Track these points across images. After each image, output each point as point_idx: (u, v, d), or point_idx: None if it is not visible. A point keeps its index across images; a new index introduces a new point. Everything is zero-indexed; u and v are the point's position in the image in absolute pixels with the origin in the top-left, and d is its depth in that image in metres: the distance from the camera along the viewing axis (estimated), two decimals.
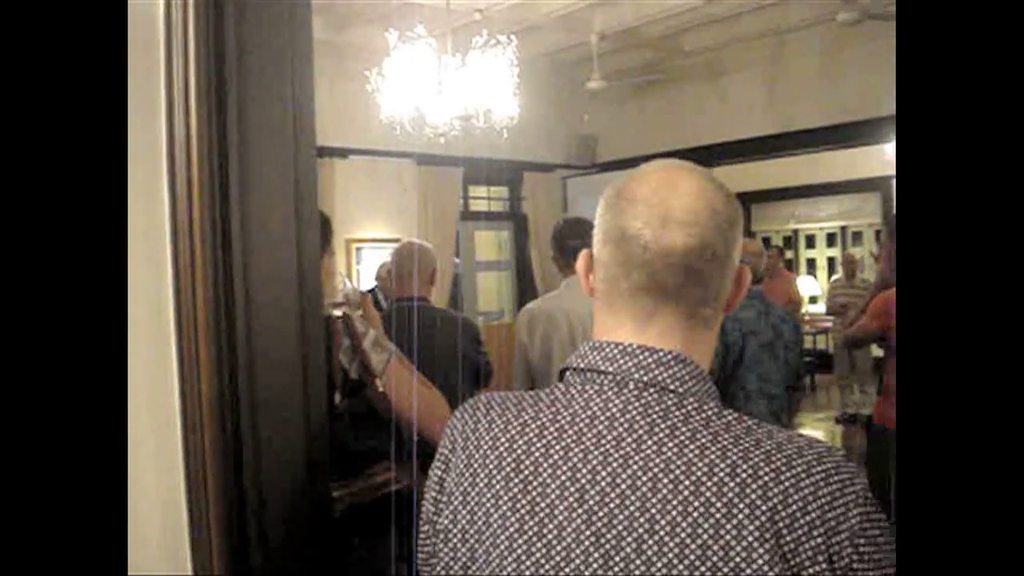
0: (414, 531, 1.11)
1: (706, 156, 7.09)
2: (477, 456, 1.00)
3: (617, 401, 0.95)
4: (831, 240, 13.04)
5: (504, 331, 6.53)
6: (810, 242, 13.29)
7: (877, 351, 4.13)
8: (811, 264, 13.21)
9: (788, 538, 0.85)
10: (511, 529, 0.94)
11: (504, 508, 0.95)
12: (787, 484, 0.87)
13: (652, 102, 8.49)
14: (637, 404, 0.94)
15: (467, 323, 3.58)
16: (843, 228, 12.79)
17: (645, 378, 0.95)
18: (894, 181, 9.16)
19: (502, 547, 0.94)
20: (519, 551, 0.93)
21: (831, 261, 12.83)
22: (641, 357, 0.97)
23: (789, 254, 12.98)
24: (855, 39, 6.61)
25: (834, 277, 10.25)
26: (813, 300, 12.00)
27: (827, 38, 6.92)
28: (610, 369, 0.97)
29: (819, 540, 0.85)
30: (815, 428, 8.31)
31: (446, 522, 1.00)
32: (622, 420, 0.94)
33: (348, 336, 1.90)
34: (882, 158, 8.49)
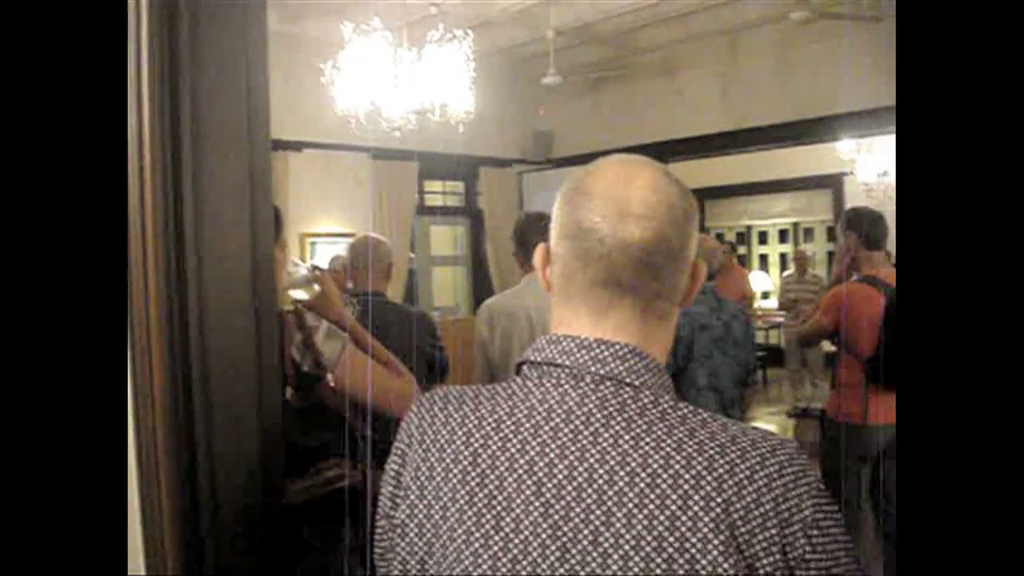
0: (368, 525, 1.10)
1: (661, 152, 7.14)
2: (434, 450, 1.00)
3: (574, 394, 0.96)
4: (783, 236, 13.20)
5: (460, 326, 6.51)
6: (762, 238, 13.44)
7: (830, 346, 4.17)
8: (763, 260, 13.37)
9: (743, 530, 0.86)
10: (468, 523, 0.94)
11: (461, 502, 0.95)
12: (742, 476, 0.88)
13: (608, 98, 8.53)
14: (594, 397, 0.95)
15: (423, 318, 3.57)
16: (795, 224, 12.96)
17: (602, 371, 0.96)
18: (845, 178, 9.30)
19: (459, 541, 0.94)
20: (476, 545, 0.93)
21: (783, 257, 12.99)
22: (598, 351, 0.97)
23: (742, 250, 13.13)
24: (808, 38, 6.70)
25: (786, 273, 10.37)
26: (765, 295, 12.14)
27: (780, 36, 7.01)
28: (567, 363, 0.97)
29: (773, 531, 0.87)
30: (767, 422, 8.41)
31: (403, 516, 1.00)
32: (579, 413, 0.94)
33: (300, 330, 1.88)
34: (834, 155, 8.60)
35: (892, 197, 7.71)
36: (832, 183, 10.10)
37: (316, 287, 1.98)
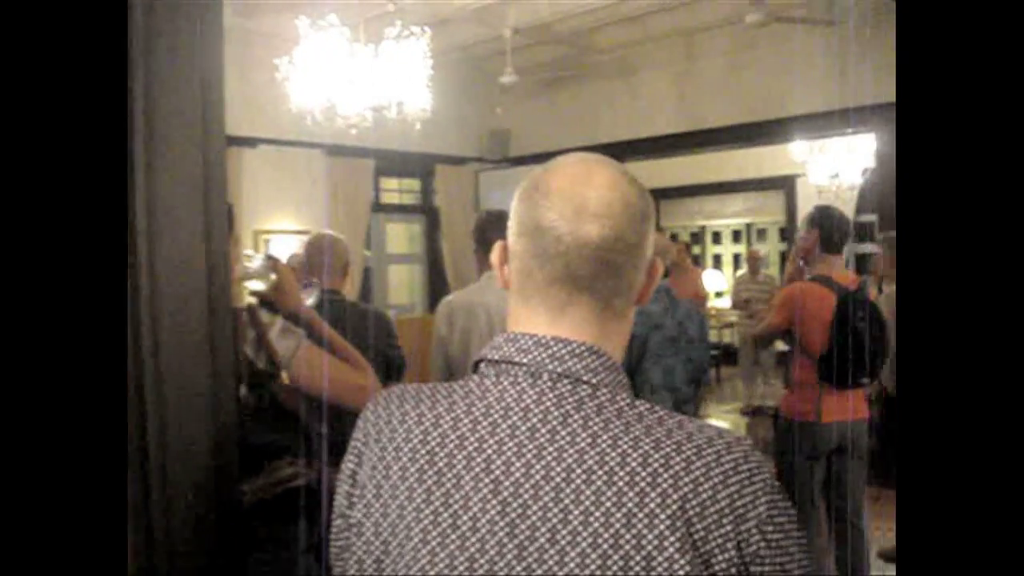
0: (324, 524, 1.10)
1: (617, 152, 7.17)
2: (391, 449, 0.99)
3: (531, 392, 0.96)
4: (737, 236, 13.35)
5: (418, 325, 6.48)
6: (716, 238, 13.58)
7: (782, 345, 4.23)
8: (717, 260, 13.51)
9: (698, 526, 0.87)
10: (425, 522, 0.94)
11: (418, 501, 0.95)
12: (697, 473, 0.89)
13: (565, 97, 8.55)
14: (551, 395, 0.95)
15: (380, 316, 3.55)
16: (748, 225, 13.11)
17: (559, 369, 0.96)
18: (798, 180, 9.42)
19: (416, 540, 0.94)
20: (433, 543, 0.93)
21: (736, 257, 13.14)
22: (555, 348, 0.97)
23: (696, 249, 13.25)
24: (763, 40, 6.77)
25: (739, 272, 10.50)
26: (719, 295, 12.27)
27: (736, 39, 7.07)
28: (524, 360, 0.97)
29: (728, 528, 0.87)
30: (721, 420, 8.49)
31: (359, 515, 0.99)
32: (536, 411, 0.94)
33: (253, 327, 1.85)
34: (787, 157, 8.70)
35: (843, 199, 7.83)
36: (785, 184, 10.24)
37: (272, 276, 1.95)
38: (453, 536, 0.92)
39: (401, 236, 9.32)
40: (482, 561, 0.90)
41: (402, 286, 9.32)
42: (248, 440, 1.73)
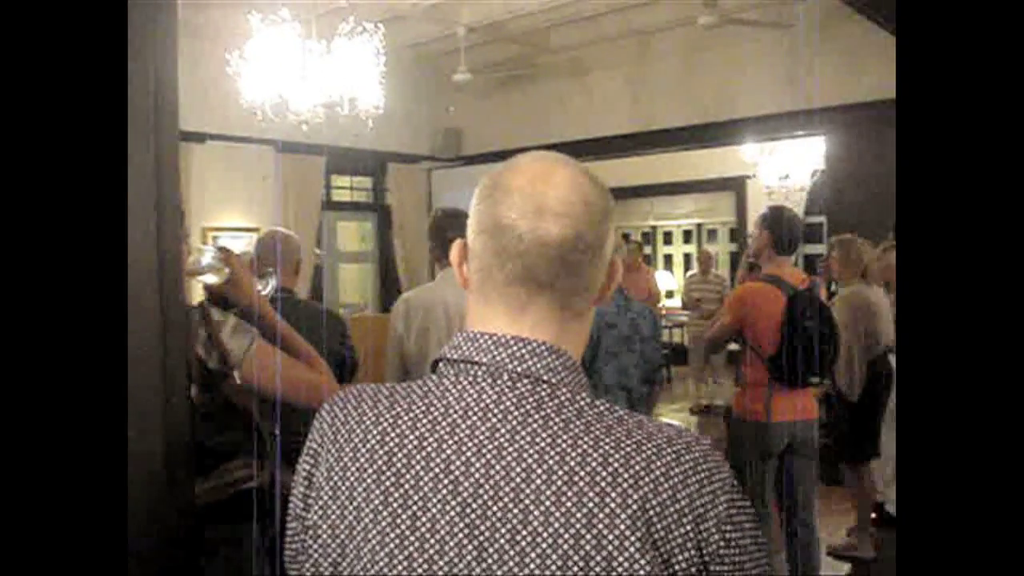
0: (277, 526, 1.08)
1: (570, 152, 6.99)
2: (347, 450, 0.98)
3: (491, 392, 0.95)
4: (687, 237, 13.48)
5: (368, 324, 6.44)
6: (667, 238, 13.70)
7: (733, 344, 4.27)
8: (668, 260, 13.63)
9: (659, 526, 0.86)
10: (383, 523, 0.92)
11: (376, 502, 0.93)
12: (658, 473, 0.89)
13: (518, 97, 8.56)
14: (511, 395, 0.94)
15: (332, 315, 3.52)
16: (699, 226, 13.24)
17: (519, 369, 0.95)
18: (748, 181, 9.53)
19: (374, 542, 0.92)
20: (391, 545, 0.91)
21: (687, 257, 13.26)
22: (515, 348, 0.96)
23: (647, 250, 13.35)
24: (715, 42, 6.84)
25: (690, 272, 10.58)
26: (670, 295, 12.37)
27: (689, 40, 7.13)
28: (484, 360, 0.96)
29: (688, 527, 0.87)
30: (670, 419, 8.54)
31: (315, 518, 0.97)
32: (496, 411, 0.93)
33: (205, 326, 1.82)
34: (737, 159, 8.80)
35: (793, 200, 7.94)
36: (735, 186, 10.36)
37: (226, 270, 1.91)
38: (411, 538, 0.91)
39: (352, 234, 9.26)
40: (441, 563, 0.89)
41: (353, 285, 9.26)
42: (201, 441, 1.70)
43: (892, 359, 4.96)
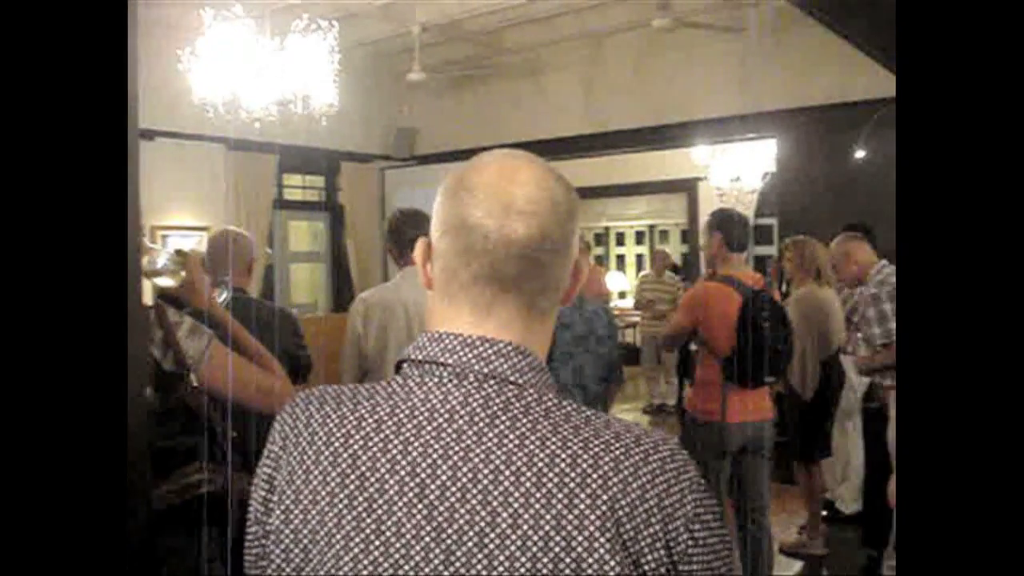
0: (229, 531, 1.05)
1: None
2: (310, 453, 0.96)
3: (457, 393, 0.93)
4: (640, 238, 13.57)
5: (319, 324, 6.37)
6: (620, 239, 13.78)
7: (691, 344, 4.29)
8: (621, 260, 13.70)
9: (628, 526, 0.86)
10: (347, 528, 0.90)
11: (340, 506, 0.91)
12: (626, 473, 0.88)
13: (472, 97, 8.54)
14: (478, 396, 0.93)
15: (286, 315, 3.48)
16: (651, 227, 13.34)
17: (485, 370, 0.94)
18: (700, 183, 9.60)
19: (338, 547, 0.90)
20: (356, 550, 0.90)
21: (639, 258, 13.35)
22: (481, 348, 0.95)
23: (600, 250, 13.42)
24: (669, 45, 6.88)
25: (643, 273, 10.64)
26: (622, 295, 12.43)
27: (642, 43, 7.17)
28: (450, 361, 0.95)
29: (657, 527, 0.87)
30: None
31: (277, 522, 0.95)
32: (462, 413, 0.92)
33: (160, 327, 1.77)
34: (689, 161, 8.87)
35: (743, 202, 8.02)
36: (687, 187, 10.42)
37: (181, 273, 1.88)
38: (377, 542, 0.89)
39: (304, 234, 9.17)
40: (407, 568, 0.88)
41: (304, 285, 9.17)
42: (155, 444, 1.66)
43: (844, 359, 5.04)
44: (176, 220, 7.11)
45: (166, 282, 1.86)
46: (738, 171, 8.47)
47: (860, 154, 6.23)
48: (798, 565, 4.90)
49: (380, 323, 3.21)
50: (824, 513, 5.26)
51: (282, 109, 5.16)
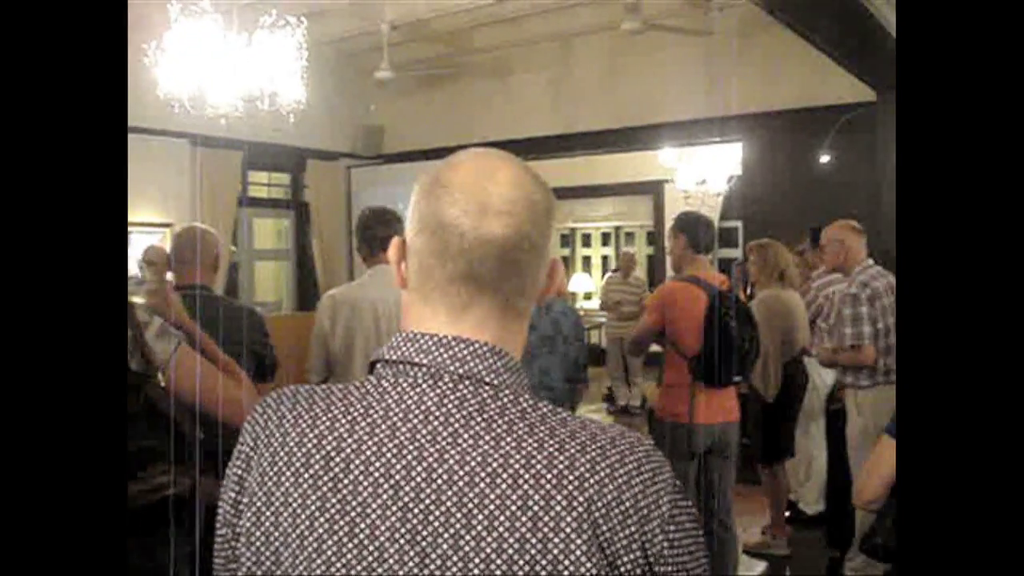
0: (197, 533, 1.04)
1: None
2: (282, 453, 0.94)
3: (432, 394, 0.92)
4: (605, 239, 13.61)
5: (284, 323, 6.32)
6: (586, 240, 13.81)
7: (653, 346, 4.31)
8: (587, 261, 13.73)
9: (604, 527, 0.85)
10: (320, 530, 0.89)
11: (312, 508, 0.90)
12: (603, 474, 0.88)
13: (440, 96, 8.52)
14: (453, 397, 0.92)
15: (252, 314, 3.44)
16: (617, 228, 13.38)
17: (460, 370, 0.93)
18: (666, 185, 9.65)
19: (310, 549, 0.89)
20: (329, 552, 0.88)
21: (605, 259, 13.39)
22: (456, 349, 0.94)
23: (566, 251, 13.44)
24: (637, 47, 6.91)
25: (609, 274, 10.67)
26: (588, 296, 12.46)
27: (611, 45, 7.19)
28: (424, 361, 0.94)
29: (633, 528, 0.87)
30: None
31: (248, 524, 0.94)
32: (437, 414, 0.91)
33: (129, 327, 1.75)
34: (655, 163, 8.90)
35: (709, 204, 8.07)
36: (653, 189, 10.47)
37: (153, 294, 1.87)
38: (350, 545, 0.88)
39: (269, 231, 9.10)
40: (381, 570, 0.87)
41: (269, 283, 9.10)
42: None
43: (809, 361, 5.09)
44: (140, 217, 7.02)
45: (136, 300, 1.84)
46: (704, 174, 8.52)
47: (825, 158, 6.30)
48: (762, 566, 4.94)
49: (348, 321, 3.20)
50: (788, 514, 5.31)
51: (249, 106, 5.11)
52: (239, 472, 0.98)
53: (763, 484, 5.14)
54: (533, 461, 0.88)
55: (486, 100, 8.20)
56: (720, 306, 3.76)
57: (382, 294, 3.13)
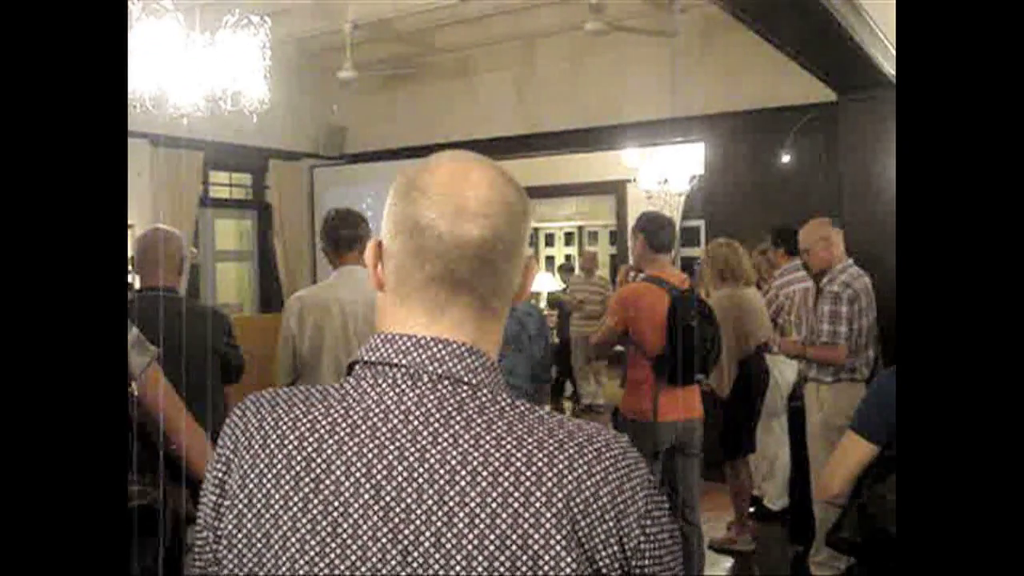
0: (162, 542, 1.04)
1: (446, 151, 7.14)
2: (263, 456, 0.95)
3: (412, 394, 0.94)
4: (569, 239, 13.65)
5: (245, 324, 6.27)
6: (549, 240, 13.85)
7: (619, 346, 4.34)
8: (550, 261, 13.77)
9: (583, 523, 0.87)
10: (303, 531, 0.90)
11: (295, 509, 0.91)
12: (580, 471, 0.89)
13: (403, 96, 8.50)
14: (432, 397, 0.93)
15: (218, 316, 3.42)
16: (580, 228, 13.44)
17: (439, 370, 0.94)
18: (628, 185, 9.71)
19: (293, 550, 0.90)
20: (312, 552, 0.89)
21: (568, 259, 13.43)
22: (435, 349, 0.95)
23: (529, 251, 13.44)
24: (601, 48, 6.94)
25: (574, 274, 10.71)
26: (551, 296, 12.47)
27: (575, 46, 7.21)
28: (403, 362, 0.95)
29: (611, 524, 0.89)
30: None
31: (230, 527, 0.94)
32: (417, 413, 0.92)
33: None
34: (618, 163, 8.96)
35: (671, 204, 8.14)
36: (616, 189, 10.54)
37: None
38: (333, 544, 0.89)
39: (231, 232, 9.01)
40: (364, 569, 0.88)
41: (231, 285, 9.01)
42: None
43: (771, 359, 5.15)
44: None
45: None
46: (666, 174, 8.58)
47: (786, 158, 6.38)
48: (728, 562, 5.00)
49: (316, 323, 3.19)
50: (752, 510, 5.38)
51: (211, 105, 5.06)
52: (219, 475, 0.98)
53: (727, 481, 5.20)
54: (513, 459, 0.89)
55: (449, 100, 8.19)
56: (682, 305, 3.80)
57: (349, 295, 3.13)
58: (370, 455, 0.91)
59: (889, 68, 4.48)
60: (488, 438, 0.91)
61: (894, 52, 4.50)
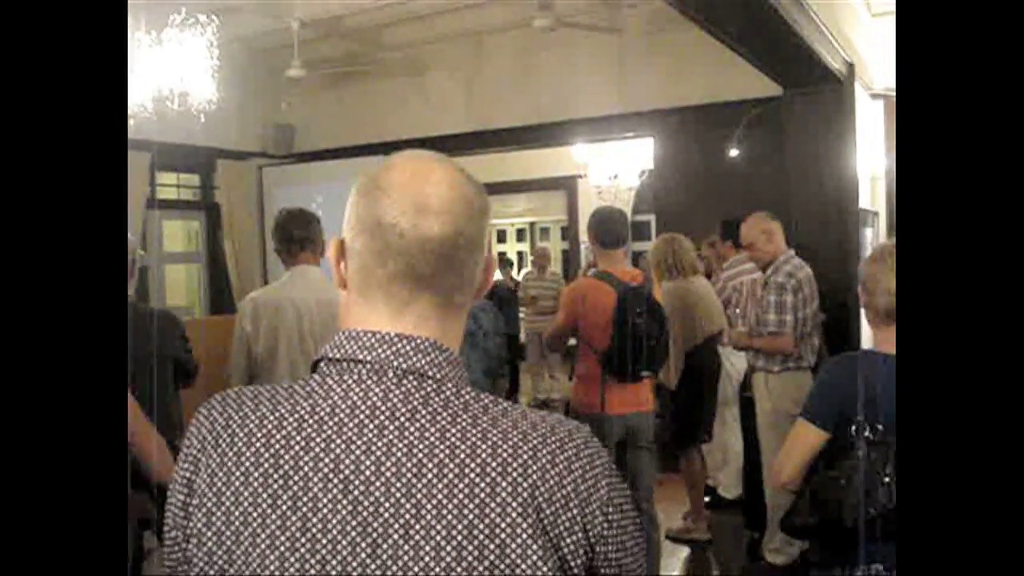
0: (128, 548, 1.05)
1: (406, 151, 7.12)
2: (231, 454, 0.96)
3: (377, 390, 0.95)
4: (520, 235, 13.69)
5: (202, 326, 6.20)
6: (501, 236, 13.87)
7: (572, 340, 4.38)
8: (501, 257, 13.79)
9: (548, 511, 0.90)
10: (272, 527, 0.91)
11: (264, 506, 0.92)
12: (544, 460, 0.92)
13: (353, 94, 8.45)
14: (397, 392, 0.95)
15: (169, 318, 3.39)
16: (532, 224, 13.48)
17: (404, 366, 0.96)
18: (579, 181, 9.76)
19: (263, 546, 0.91)
20: (282, 548, 0.90)
21: (520, 255, 13.47)
22: (399, 345, 0.97)
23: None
24: (550, 44, 6.96)
25: (525, 270, 10.75)
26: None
27: (523, 42, 7.23)
28: (368, 358, 0.97)
29: (575, 511, 0.91)
30: None
31: (199, 525, 0.95)
32: (383, 408, 0.94)
33: None
34: (568, 159, 9.00)
35: (622, 199, 8.20)
36: (566, 185, 10.58)
37: None
38: (303, 539, 0.90)
39: (179, 234, 8.89)
40: (334, 563, 0.89)
41: (181, 287, 8.90)
42: None
43: (723, 350, 5.22)
44: None
45: None
46: (616, 169, 8.63)
47: (734, 152, 6.47)
48: (685, 551, 5.06)
49: (270, 323, 3.18)
50: (707, 499, 5.45)
51: (158, 105, 5.00)
52: (187, 475, 0.99)
53: (681, 471, 5.27)
54: (478, 450, 0.92)
55: (399, 98, 8.16)
56: (629, 302, 3.85)
57: (303, 294, 3.12)
58: (338, 450, 0.93)
59: (833, 63, 4.56)
60: (453, 431, 0.93)
61: (839, 47, 4.59)
